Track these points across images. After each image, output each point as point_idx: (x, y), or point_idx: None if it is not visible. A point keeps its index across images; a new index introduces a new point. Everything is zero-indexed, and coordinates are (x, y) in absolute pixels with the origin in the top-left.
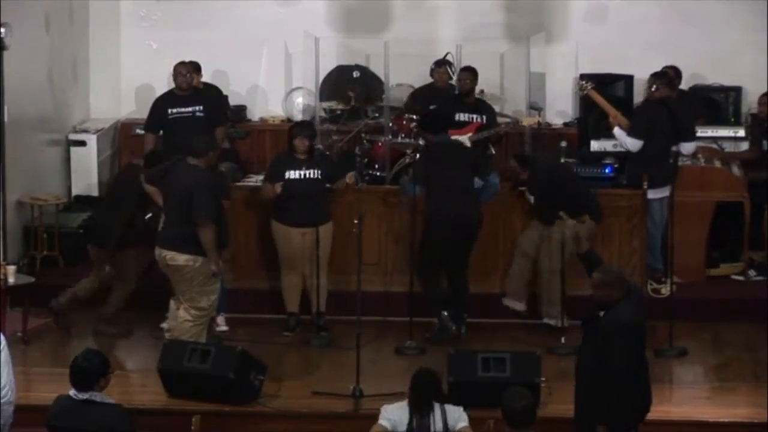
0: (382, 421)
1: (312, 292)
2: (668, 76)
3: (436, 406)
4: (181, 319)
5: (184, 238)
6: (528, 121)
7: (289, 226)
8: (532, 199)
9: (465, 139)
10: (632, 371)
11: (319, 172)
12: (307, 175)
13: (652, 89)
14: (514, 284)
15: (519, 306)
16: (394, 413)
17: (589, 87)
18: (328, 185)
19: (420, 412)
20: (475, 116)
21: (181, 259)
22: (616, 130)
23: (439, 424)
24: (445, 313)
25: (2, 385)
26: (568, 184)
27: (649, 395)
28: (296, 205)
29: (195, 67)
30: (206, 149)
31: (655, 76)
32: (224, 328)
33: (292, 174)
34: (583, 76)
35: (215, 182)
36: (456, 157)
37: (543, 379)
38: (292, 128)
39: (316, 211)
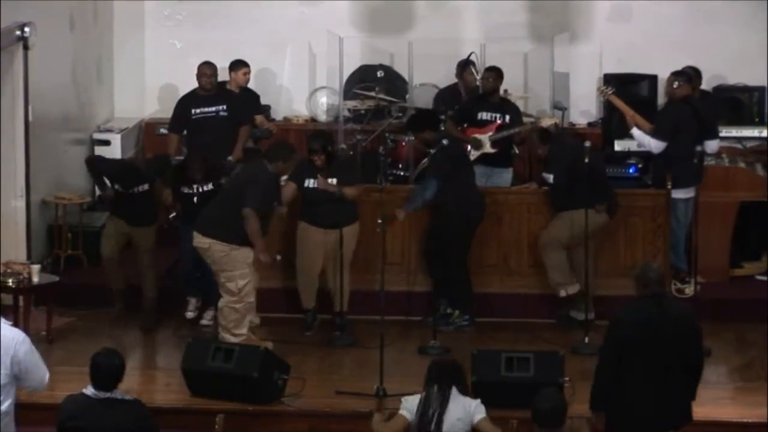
0: (403, 412)
1: (335, 292)
2: (688, 73)
3: (454, 396)
4: (222, 303)
5: (213, 223)
6: (546, 122)
7: (312, 225)
8: (550, 178)
9: (485, 138)
10: (607, 365)
11: (336, 180)
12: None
13: (674, 86)
14: (557, 275)
15: (573, 288)
16: (413, 402)
17: (610, 92)
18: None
19: (436, 397)
20: (497, 115)
21: (204, 241)
22: (635, 131)
23: (454, 413)
24: None
25: (30, 384)
26: (593, 166)
27: (660, 409)
28: (320, 210)
29: (244, 65)
30: (275, 158)
31: (676, 74)
32: (191, 313)
33: (311, 183)
34: (606, 76)
35: (274, 184)
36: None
37: (567, 378)
38: (309, 139)
39: (340, 214)
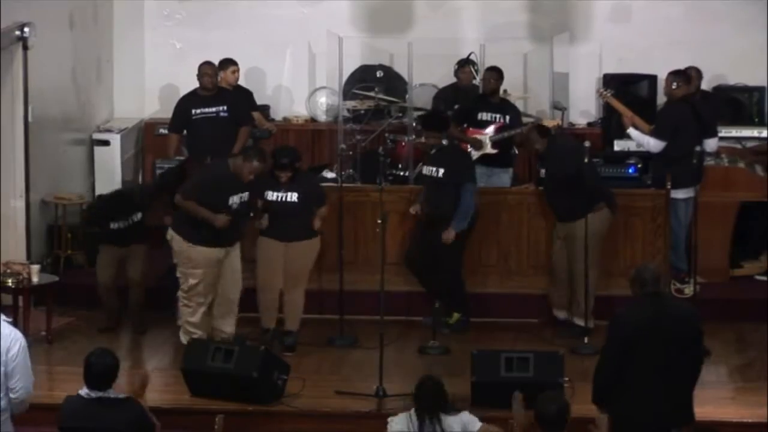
0: None
1: (284, 306)
2: (686, 73)
3: (443, 417)
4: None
5: (178, 219)
6: (548, 123)
7: (271, 239)
8: (542, 172)
9: (485, 138)
10: (608, 366)
11: (297, 195)
12: (285, 198)
13: (673, 86)
14: (554, 296)
15: (562, 315)
16: (400, 424)
17: (608, 94)
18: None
19: (427, 419)
20: (498, 116)
21: (169, 233)
22: (632, 131)
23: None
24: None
25: (16, 384)
26: (586, 166)
27: (663, 408)
28: (278, 224)
29: (234, 64)
30: (237, 155)
31: (674, 74)
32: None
33: (271, 195)
34: (606, 76)
35: (223, 183)
36: None
37: (566, 379)
38: (275, 154)
39: (296, 229)
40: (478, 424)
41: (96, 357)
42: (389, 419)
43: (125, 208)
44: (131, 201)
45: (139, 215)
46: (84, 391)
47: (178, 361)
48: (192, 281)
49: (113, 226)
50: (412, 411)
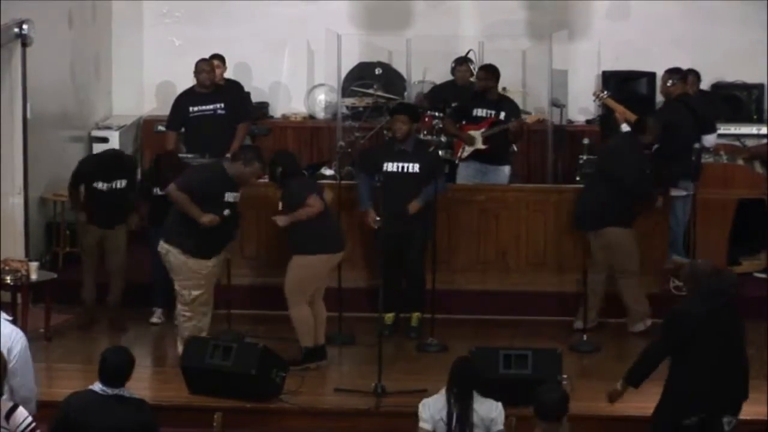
0: (423, 424)
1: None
2: (682, 71)
3: (476, 398)
4: (177, 310)
5: (172, 230)
6: (531, 119)
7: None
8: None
9: (477, 135)
10: (658, 358)
11: (281, 203)
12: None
13: (668, 84)
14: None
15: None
16: (433, 408)
17: (605, 95)
18: None
19: (459, 402)
20: (492, 112)
21: (163, 247)
22: (626, 128)
23: (477, 417)
24: None
25: (18, 384)
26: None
27: (710, 397)
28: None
29: (219, 59)
30: (237, 157)
31: (670, 72)
32: (156, 320)
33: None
34: (605, 74)
35: (218, 180)
36: None
37: (565, 376)
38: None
39: (291, 241)
40: (498, 427)
41: (112, 353)
42: (422, 402)
43: (111, 168)
44: (120, 162)
45: (124, 183)
46: (98, 387)
47: (176, 357)
48: (195, 293)
49: (97, 185)
50: (443, 391)
